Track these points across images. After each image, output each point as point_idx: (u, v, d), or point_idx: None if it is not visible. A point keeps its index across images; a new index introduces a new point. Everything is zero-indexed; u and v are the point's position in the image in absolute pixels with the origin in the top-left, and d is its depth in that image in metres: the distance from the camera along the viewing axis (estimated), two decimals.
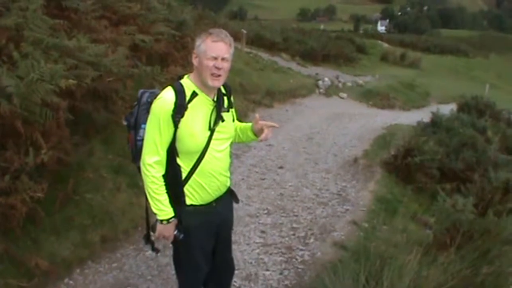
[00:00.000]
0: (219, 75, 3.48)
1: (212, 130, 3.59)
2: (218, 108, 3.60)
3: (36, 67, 5.47)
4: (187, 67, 10.37)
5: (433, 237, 6.18)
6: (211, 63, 3.43)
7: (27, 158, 5.17)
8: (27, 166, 5.15)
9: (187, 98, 3.47)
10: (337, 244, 6.35)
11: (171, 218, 3.59)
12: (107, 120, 7.12)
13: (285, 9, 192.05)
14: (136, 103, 3.81)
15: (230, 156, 3.97)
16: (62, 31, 6.99)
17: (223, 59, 3.46)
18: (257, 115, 3.99)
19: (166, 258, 5.70)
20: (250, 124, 4.04)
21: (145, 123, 3.58)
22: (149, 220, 3.91)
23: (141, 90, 3.86)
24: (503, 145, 11.68)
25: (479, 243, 4.89)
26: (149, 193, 3.55)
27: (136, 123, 3.74)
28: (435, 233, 6.26)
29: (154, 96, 3.61)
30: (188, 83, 3.54)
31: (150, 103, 3.59)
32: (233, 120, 3.87)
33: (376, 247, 5.01)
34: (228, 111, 3.72)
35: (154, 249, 4.02)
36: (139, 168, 3.62)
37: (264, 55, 23.65)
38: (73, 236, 5.60)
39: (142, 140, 3.61)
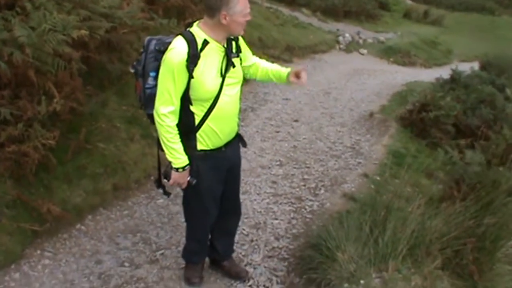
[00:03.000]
0: None
1: (223, 77, 3.66)
2: (229, 54, 3.67)
3: (49, 18, 5.51)
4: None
5: (441, 189, 6.22)
6: (245, 19, 3.57)
7: (39, 106, 5.25)
8: (40, 114, 5.24)
9: (199, 46, 3.51)
10: (347, 195, 6.41)
11: (186, 166, 3.69)
12: (121, 71, 7.15)
13: None
14: (143, 50, 3.83)
15: (240, 104, 4.09)
16: None
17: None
18: (301, 71, 4.18)
19: (177, 206, 5.81)
20: (286, 70, 4.20)
21: (153, 71, 3.65)
22: (160, 165, 4.02)
23: (148, 37, 3.86)
24: None
25: (483, 194, 4.91)
26: (164, 142, 3.64)
27: (144, 71, 3.77)
28: (444, 186, 6.29)
29: (162, 43, 3.66)
30: (197, 31, 3.56)
31: (158, 50, 3.64)
32: (241, 64, 3.91)
33: (382, 198, 5.07)
34: (237, 56, 3.79)
35: (166, 193, 4.12)
36: (148, 115, 3.71)
37: (285, 10, 23.35)
38: (85, 184, 5.72)
39: (151, 88, 3.68)
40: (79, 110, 6.00)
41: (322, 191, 6.62)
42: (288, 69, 4.20)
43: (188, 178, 3.76)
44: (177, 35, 3.58)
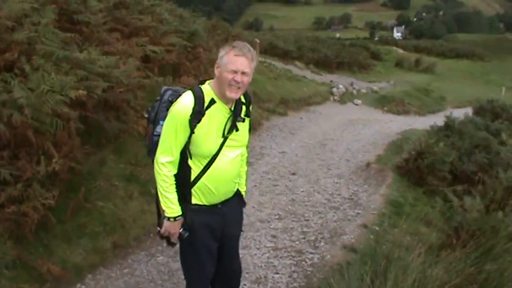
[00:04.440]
0: (238, 88, 3.59)
1: (225, 138, 3.71)
2: (234, 117, 3.72)
3: (47, 79, 5.63)
4: (200, 77, 10.48)
5: (440, 237, 6.22)
6: (230, 76, 3.54)
7: (38, 167, 5.31)
8: (39, 174, 5.28)
9: (205, 104, 3.59)
10: (347, 247, 6.40)
11: (178, 216, 3.72)
12: (118, 129, 7.24)
13: (300, 18, 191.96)
14: (158, 98, 3.94)
15: (247, 164, 4.15)
16: (73, 44, 7.15)
17: (243, 73, 3.57)
18: None
19: (177, 263, 5.77)
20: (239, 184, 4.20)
21: (163, 119, 3.73)
22: (161, 217, 3.99)
23: (164, 87, 3.99)
24: None
25: (483, 240, 4.92)
26: (159, 190, 3.70)
27: (156, 118, 3.88)
28: (442, 233, 6.29)
29: (176, 95, 3.76)
30: (207, 90, 3.65)
31: (171, 102, 3.73)
32: (250, 130, 3.96)
33: (382, 248, 5.07)
34: (243, 121, 3.81)
35: (170, 243, 4.07)
36: (153, 161, 3.75)
37: (278, 64, 23.72)
38: (84, 243, 5.72)
39: (158, 135, 3.75)
40: (77, 169, 6.04)
41: (322, 244, 6.60)
42: (240, 184, 4.21)
43: (180, 230, 3.78)
44: (188, 89, 3.66)
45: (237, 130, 3.75)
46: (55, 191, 5.34)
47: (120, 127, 7.25)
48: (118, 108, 7.39)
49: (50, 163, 5.41)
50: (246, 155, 4.19)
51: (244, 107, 3.81)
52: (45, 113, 5.43)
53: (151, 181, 7.17)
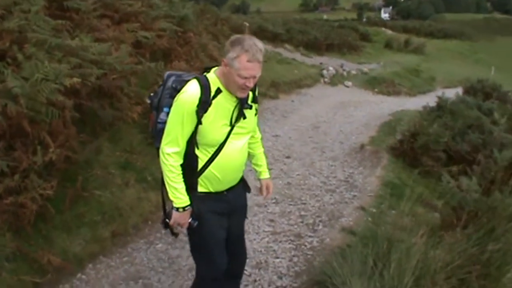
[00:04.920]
0: (249, 89, 3.54)
1: (232, 126, 3.65)
2: (241, 105, 3.64)
3: (40, 67, 5.56)
4: (191, 62, 10.44)
5: (439, 218, 6.23)
6: (242, 81, 3.43)
7: (35, 157, 5.26)
8: (36, 165, 5.24)
9: (212, 94, 3.51)
10: (345, 229, 6.40)
11: (187, 206, 3.66)
12: (113, 117, 7.18)
13: (287, 0, 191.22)
14: (161, 83, 3.86)
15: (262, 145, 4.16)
16: (64, 31, 7.08)
17: (254, 77, 3.48)
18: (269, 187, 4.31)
19: (176, 250, 5.79)
20: (260, 170, 4.27)
21: (167, 106, 3.66)
22: (165, 206, 3.96)
23: (168, 72, 3.88)
24: (510, 126, 11.67)
25: (484, 221, 4.94)
26: (166, 181, 3.62)
27: (159, 105, 3.79)
28: (442, 215, 6.30)
29: (179, 81, 3.68)
30: (213, 78, 3.57)
31: (175, 88, 3.65)
32: (256, 114, 3.89)
33: (383, 231, 5.07)
34: (251, 108, 3.74)
35: (174, 233, 4.04)
36: (157, 149, 3.69)
37: (268, 47, 23.61)
38: (84, 232, 5.69)
39: (162, 123, 3.67)
40: (74, 158, 6.00)
41: (320, 227, 6.60)
42: (263, 172, 4.27)
43: (190, 220, 3.72)
44: (194, 78, 3.58)
45: (244, 117, 3.68)
46: (53, 181, 5.29)
47: (114, 115, 7.19)
48: (112, 95, 7.32)
49: (47, 153, 5.36)
50: (260, 136, 4.17)
51: (250, 93, 3.72)
52: (40, 102, 5.36)
53: (147, 168, 7.23)
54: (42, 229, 5.37)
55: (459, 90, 16.23)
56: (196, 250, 3.98)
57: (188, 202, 3.66)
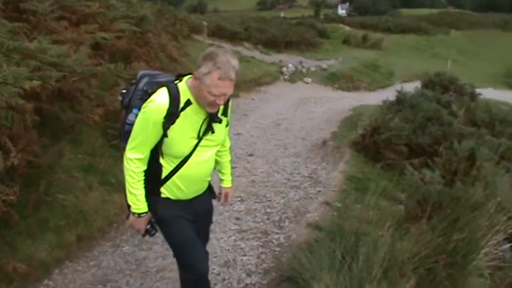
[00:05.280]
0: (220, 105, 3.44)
1: (200, 139, 3.57)
2: (210, 119, 3.55)
3: None
4: (151, 63, 10.38)
5: (404, 210, 6.31)
6: (212, 98, 3.33)
7: None
8: None
9: (181, 105, 3.41)
10: (312, 225, 6.42)
11: (142, 213, 3.59)
12: (74, 120, 7.09)
13: None
14: (134, 81, 3.76)
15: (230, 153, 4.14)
16: (22, 34, 6.98)
17: (225, 95, 3.37)
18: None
19: (143, 252, 5.76)
20: (223, 178, 4.21)
21: (137, 108, 3.56)
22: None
23: (141, 72, 3.79)
24: (468, 118, 11.88)
25: (449, 212, 5.02)
26: (126, 185, 3.55)
27: (129, 105, 3.69)
28: (406, 207, 6.38)
29: (151, 84, 3.60)
30: (184, 88, 3.45)
31: (146, 91, 3.57)
32: (227, 125, 3.82)
33: (350, 225, 5.12)
34: (220, 121, 3.62)
35: (147, 232, 3.80)
36: (123, 149, 3.61)
37: (227, 46, 23.59)
38: (49, 238, 5.60)
39: (130, 124, 3.56)
40: (36, 163, 5.91)
41: (286, 223, 6.62)
42: (225, 181, 4.22)
43: (148, 227, 3.69)
44: (164, 86, 3.45)
45: (213, 132, 3.59)
46: (15, 186, 5.20)
47: (75, 117, 7.10)
48: (72, 98, 7.22)
49: (8, 158, 5.27)
50: (229, 145, 4.11)
51: (222, 106, 3.57)
52: None
53: (110, 171, 7.17)
54: (6, 235, 5.28)
55: (418, 84, 16.46)
56: (175, 254, 3.88)
57: (145, 210, 3.60)
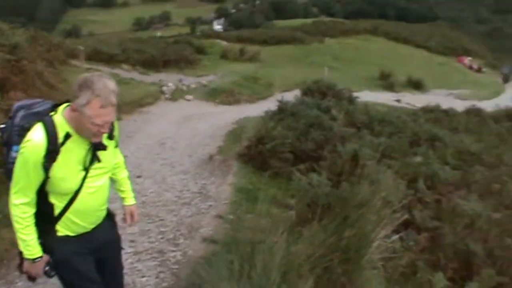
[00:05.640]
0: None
1: (87, 170, 3.39)
2: (94, 148, 3.37)
3: None
4: (28, 91, 10.12)
5: (296, 215, 6.49)
6: (95, 128, 3.17)
7: None
8: None
9: (60, 140, 3.21)
10: (207, 239, 6.48)
11: (37, 258, 3.39)
12: None
13: (119, 21, 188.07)
14: (11, 114, 3.48)
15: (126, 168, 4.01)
16: None
17: (109, 122, 3.22)
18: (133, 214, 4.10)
19: (39, 285, 5.60)
20: (125, 197, 4.08)
21: (16, 145, 3.28)
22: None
23: (16, 105, 3.50)
24: (348, 121, 12.35)
25: (338, 211, 5.22)
26: (15, 231, 3.34)
27: (8, 142, 3.42)
28: (297, 211, 6.56)
29: (28, 118, 3.34)
30: (61, 121, 3.25)
31: (23, 127, 3.30)
32: (116, 146, 3.69)
33: (244, 235, 5.21)
34: (105, 149, 3.43)
35: (31, 278, 3.60)
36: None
37: (105, 69, 23.31)
38: None
39: (12, 163, 3.29)
40: None
41: (181, 240, 6.64)
42: (127, 198, 4.09)
43: (46, 268, 3.47)
44: (39, 121, 3.22)
45: (99, 161, 3.42)
46: None
47: None
48: None
49: None
50: (122, 159, 3.98)
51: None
52: None
53: None
54: None
55: (297, 93, 16.92)
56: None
57: (39, 254, 3.39)
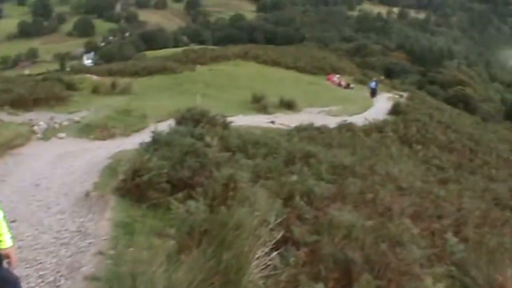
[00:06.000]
0: None
1: None
2: None
3: None
4: None
5: (176, 244, 6.56)
6: None
7: None
8: None
9: None
10: (88, 277, 6.39)
11: None
12: None
13: None
14: None
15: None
16: None
17: None
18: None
19: None
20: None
21: None
22: None
23: None
24: (223, 146, 12.53)
25: (215, 235, 5.35)
26: None
27: None
28: (177, 240, 6.64)
29: None
30: None
31: None
32: None
33: (125, 269, 5.23)
34: None
35: None
36: None
37: None
38: None
39: None
40: None
41: (62, 281, 6.51)
42: (2, 242, 4.01)
43: None
44: None
45: None
46: None
47: None
48: None
49: None
50: None
51: None
52: None
53: None
54: None
55: (172, 122, 16.98)
56: None
57: None
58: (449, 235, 8.89)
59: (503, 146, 39.17)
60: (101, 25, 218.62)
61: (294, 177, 9.93)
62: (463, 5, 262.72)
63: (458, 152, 29.61)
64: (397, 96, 54.66)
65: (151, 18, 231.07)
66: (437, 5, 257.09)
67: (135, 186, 9.66)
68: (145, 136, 13.27)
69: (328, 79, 61.01)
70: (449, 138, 32.92)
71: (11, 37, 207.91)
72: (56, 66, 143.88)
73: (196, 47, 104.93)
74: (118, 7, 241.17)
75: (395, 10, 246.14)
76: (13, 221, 9.17)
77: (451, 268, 7.88)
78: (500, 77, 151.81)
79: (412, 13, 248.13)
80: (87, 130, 22.79)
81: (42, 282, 6.62)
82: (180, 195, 8.93)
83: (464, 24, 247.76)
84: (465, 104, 73.39)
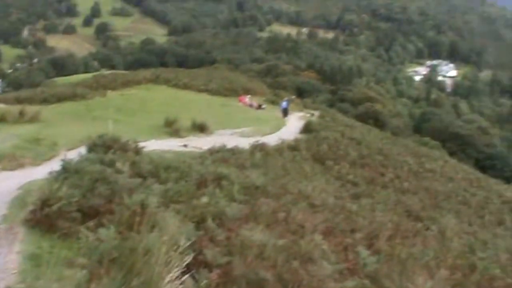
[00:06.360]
0: None
1: None
2: None
3: None
4: None
5: (88, 273, 6.47)
6: None
7: None
8: None
9: None
10: None
11: None
12: None
13: None
14: None
15: None
16: None
17: None
18: None
19: None
20: None
21: None
22: None
23: None
24: (134, 172, 12.44)
25: (124, 261, 5.31)
26: None
27: None
28: (89, 269, 6.55)
29: None
30: None
31: None
32: None
33: None
34: None
35: None
36: None
37: None
38: None
39: None
40: None
41: None
42: None
43: None
44: None
45: None
46: None
47: None
48: None
49: None
50: None
51: None
52: None
53: None
54: None
55: (83, 150, 16.73)
56: None
57: None
58: (361, 248, 9.11)
59: (412, 159, 40.51)
60: (8, 51, 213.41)
61: (205, 200, 9.98)
62: (370, 24, 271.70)
63: (369, 167, 30.42)
64: (308, 115, 55.47)
65: (60, 43, 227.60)
66: (345, 25, 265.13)
67: (44, 216, 9.43)
68: (56, 165, 12.98)
69: (240, 100, 61.42)
70: (360, 153, 33.79)
71: None
72: None
73: (107, 72, 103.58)
74: (25, 33, 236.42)
75: (305, 30, 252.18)
76: None
77: (364, 281, 8.06)
78: (407, 92, 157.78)
79: (321, 33, 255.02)
80: None
81: None
82: (91, 223, 8.80)
83: (372, 42, 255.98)
84: (375, 120, 75.76)
